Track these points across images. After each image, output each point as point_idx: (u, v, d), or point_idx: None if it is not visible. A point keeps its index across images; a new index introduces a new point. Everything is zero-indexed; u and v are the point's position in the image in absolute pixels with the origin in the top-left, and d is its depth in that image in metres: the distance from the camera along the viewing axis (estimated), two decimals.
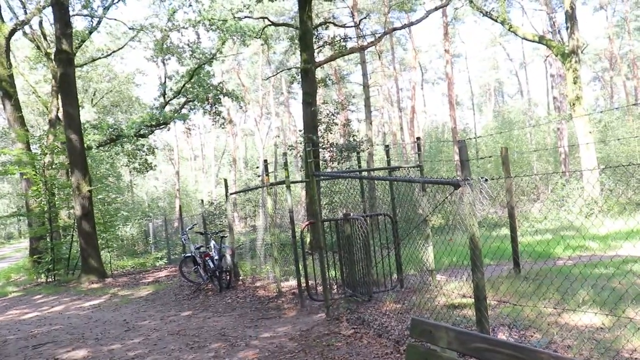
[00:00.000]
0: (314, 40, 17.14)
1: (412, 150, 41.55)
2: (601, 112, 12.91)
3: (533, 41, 21.55)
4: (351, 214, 8.04)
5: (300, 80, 16.34)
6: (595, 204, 15.65)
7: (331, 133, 19.26)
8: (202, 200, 18.51)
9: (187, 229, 13.79)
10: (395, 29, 29.02)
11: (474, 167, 27.29)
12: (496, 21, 21.78)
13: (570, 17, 18.71)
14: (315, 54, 17.34)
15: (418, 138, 8.82)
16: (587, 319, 5.56)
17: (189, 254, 12.16)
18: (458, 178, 4.35)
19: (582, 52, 19.46)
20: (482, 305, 4.30)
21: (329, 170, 17.56)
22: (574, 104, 18.51)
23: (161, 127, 23.22)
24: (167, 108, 23.86)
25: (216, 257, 10.96)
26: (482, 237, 10.87)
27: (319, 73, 27.81)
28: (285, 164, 8.95)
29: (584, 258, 8.88)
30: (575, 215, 15.43)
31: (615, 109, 29.32)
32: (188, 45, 23.14)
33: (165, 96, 23.60)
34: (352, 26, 25.68)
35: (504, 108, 52.08)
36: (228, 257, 11.03)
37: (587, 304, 6.06)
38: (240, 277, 11.72)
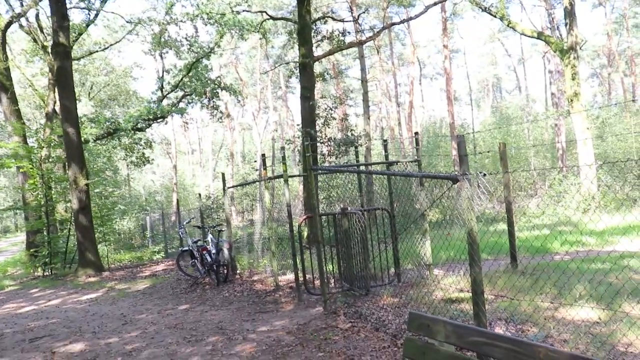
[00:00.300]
0: (312, 34, 17.09)
1: (409, 145, 41.53)
2: (599, 108, 12.94)
3: (532, 37, 21.55)
4: (349, 208, 8.05)
5: (299, 74, 16.31)
6: (592, 199, 15.68)
7: (329, 127, 19.22)
8: (200, 194, 18.49)
9: (184, 223, 13.77)
10: (393, 24, 28.96)
11: (472, 162, 27.32)
12: (495, 17, 21.74)
13: (569, 14, 18.69)
14: (314, 48, 17.30)
15: (416, 133, 8.82)
16: (584, 313, 5.59)
17: (186, 248, 12.13)
18: (456, 173, 4.35)
19: (580, 49, 19.44)
20: (480, 299, 4.31)
21: (326, 164, 17.55)
22: (572, 100, 18.52)
23: (158, 120, 23.14)
24: (165, 102, 23.78)
25: (213, 251, 10.95)
26: (479, 232, 10.88)
27: (317, 67, 27.74)
28: (283, 158, 8.94)
29: (581, 253, 8.90)
30: (572, 211, 15.46)
31: (612, 105, 29.35)
32: (186, 38, 23.04)
33: (163, 90, 23.53)
34: (350, 21, 25.64)
35: (502, 104, 52.12)
36: (225, 251, 11.03)
37: (584, 298, 6.08)
38: (238, 271, 11.72)
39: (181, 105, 24.10)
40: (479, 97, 70.57)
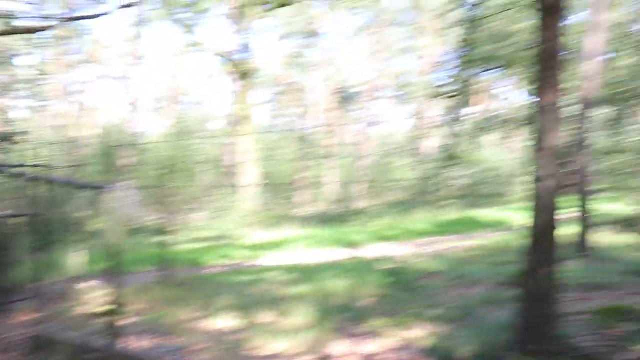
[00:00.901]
0: None
1: (80, 149, 39.14)
2: (266, 132, 14.31)
3: (218, 56, 22.66)
4: None
5: None
6: (250, 216, 17.06)
7: None
8: None
9: None
10: (79, 18, 26.98)
11: (144, 173, 27.15)
12: (183, 32, 22.25)
13: (250, 42, 20.34)
14: None
15: (86, 137, 8.40)
16: (225, 322, 6.02)
17: None
18: (106, 182, 4.28)
19: (257, 76, 21.20)
20: (117, 312, 4.32)
21: None
22: (243, 122, 20.05)
23: None
24: None
25: None
26: (139, 243, 10.83)
27: None
28: None
29: (232, 266, 9.60)
30: (231, 225, 16.53)
31: (276, 131, 32.62)
32: None
33: None
34: (30, 3, 23.03)
35: (186, 116, 52.93)
36: None
37: (227, 308, 6.54)
38: None
39: None
40: (163, 106, 70.47)
